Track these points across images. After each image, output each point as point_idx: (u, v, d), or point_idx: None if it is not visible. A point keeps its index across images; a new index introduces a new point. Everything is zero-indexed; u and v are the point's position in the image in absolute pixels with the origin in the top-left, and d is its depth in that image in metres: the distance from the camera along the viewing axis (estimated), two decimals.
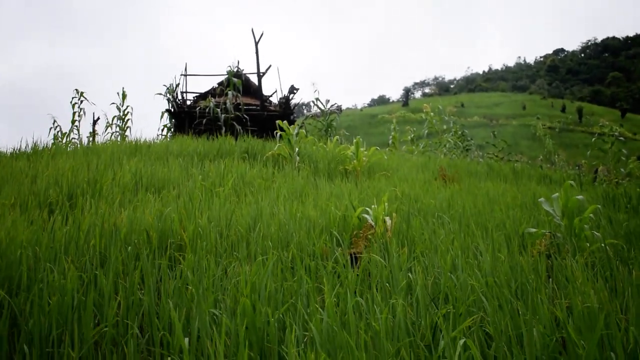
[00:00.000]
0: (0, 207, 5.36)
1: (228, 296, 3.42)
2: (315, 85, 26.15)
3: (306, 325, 3.09)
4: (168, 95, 18.34)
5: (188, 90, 19.50)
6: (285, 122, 11.49)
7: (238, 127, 16.44)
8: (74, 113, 16.80)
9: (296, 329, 3.01)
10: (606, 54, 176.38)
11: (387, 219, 5.12)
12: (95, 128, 17.09)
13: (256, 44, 19.18)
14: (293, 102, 19.14)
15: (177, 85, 18.57)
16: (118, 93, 18.45)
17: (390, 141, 22.62)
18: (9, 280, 3.50)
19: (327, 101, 20.81)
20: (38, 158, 8.91)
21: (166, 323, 3.16)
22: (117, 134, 17.67)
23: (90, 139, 15.79)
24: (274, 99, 21.02)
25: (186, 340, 2.87)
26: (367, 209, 5.38)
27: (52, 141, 14.69)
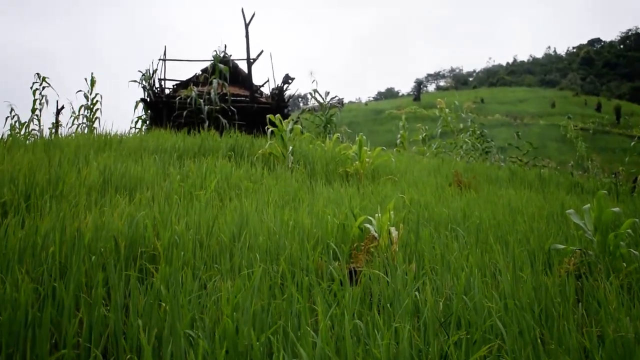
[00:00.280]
0: None
1: (207, 315, 3.41)
2: (313, 75, 26.29)
3: (296, 350, 3.08)
4: (144, 82, 18.35)
5: (167, 78, 19.62)
6: (278, 116, 11.49)
7: (223, 121, 16.46)
8: (34, 101, 16.82)
9: (284, 354, 3.00)
10: None
11: (393, 229, 5.11)
12: (59, 118, 17.11)
13: (246, 25, 19.22)
14: (288, 93, 19.20)
15: (155, 72, 18.61)
16: (86, 79, 18.49)
17: (398, 140, 22.66)
18: None
19: (327, 93, 20.87)
20: None
21: (135, 345, 3.14)
22: (84, 125, 17.68)
23: (53, 130, 15.78)
24: (266, 90, 21.07)
25: None
26: (370, 217, 5.37)
27: (9, 132, 14.67)
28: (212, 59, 18.39)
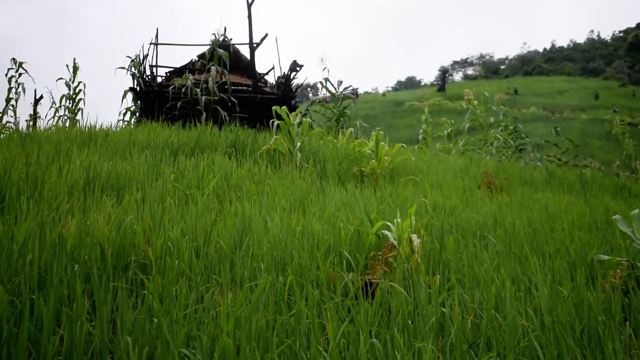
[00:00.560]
0: None
1: (204, 332, 3.41)
2: (324, 62, 26.25)
3: None
4: (133, 69, 18.38)
5: (159, 64, 19.60)
6: (284, 108, 11.50)
7: (223, 113, 16.48)
8: (9, 89, 16.91)
9: None
10: None
11: (414, 237, 5.10)
12: (37, 109, 17.17)
13: (249, 5, 19.26)
14: (295, 82, 19.19)
15: (146, 57, 18.62)
16: (67, 65, 18.54)
17: (420, 136, 22.63)
18: None
19: (340, 83, 20.83)
20: None
21: None
22: (66, 117, 17.73)
23: (31, 123, 15.85)
24: (271, 78, 21.10)
25: None
26: (389, 223, 5.37)
27: None
28: (210, 43, 18.40)
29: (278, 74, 19.96)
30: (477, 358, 3.29)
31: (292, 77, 19.02)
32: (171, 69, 20.45)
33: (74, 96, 18.19)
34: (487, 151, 20.23)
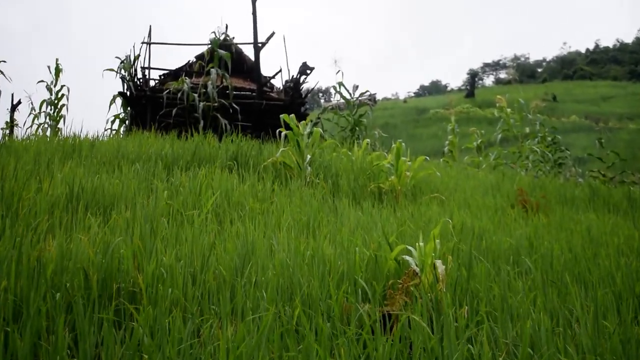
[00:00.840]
0: None
1: None
2: (338, 65, 26.26)
3: None
4: (123, 71, 18.44)
5: (152, 66, 19.61)
6: (293, 116, 11.52)
7: (223, 122, 16.51)
8: None
9: None
10: None
11: (439, 263, 5.08)
12: (15, 116, 17.25)
13: (254, 1, 19.32)
14: (305, 87, 19.23)
15: (137, 58, 18.67)
16: (49, 67, 18.60)
17: (446, 148, 22.61)
18: None
19: (355, 87, 20.86)
20: None
21: None
22: (47, 125, 17.79)
23: (7, 131, 15.90)
24: (278, 83, 21.14)
25: None
26: (410, 248, 5.36)
27: None
28: (210, 42, 18.43)
29: (286, 77, 20.02)
30: None
31: (301, 81, 19.05)
32: (166, 72, 20.52)
33: (55, 101, 18.24)
34: (522, 165, 20.17)
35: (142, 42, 19.43)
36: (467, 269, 5.33)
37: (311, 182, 9.76)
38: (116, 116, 19.01)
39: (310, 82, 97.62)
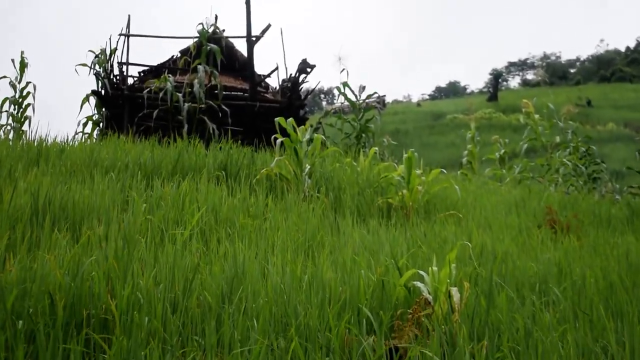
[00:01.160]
0: None
1: None
2: (342, 62, 26.21)
3: None
4: (97, 67, 18.46)
5: (131, 61, 19.62)
6: (290, 120, 11.53)
7: (211, 126, 16.53)
8: None
9: None
10: None
11: (455, 290, 5.09)
12: None
13: None
14: (305, 87, 19.27)
15: (114, 52, 18.71)
16: (13, 60, 18.59)
17: (464, 159, 22.62)
18: None
19: (362, 88, 20.91)
20: None
21: None
22: (9, 127, 17.79)
23: None
24: (274, 82, 21.15)
25: None
26: (422, 273, 5.36)
27: None
28: (198, 35, 18.43)
29: (283, 76, 19.96)
30: None
31: (301, 80, 19.07)
32: (146, 68, 20.59)
33: (20, 100, 18.25)
34: (550, 180, 20.12)
35: (120, 34, 19.43)
36: (487, 297, 5.33)
37: (310, 196, 9.77)
38: (89, 118, 19.02)
39: (310, 82, 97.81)
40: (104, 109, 18.84)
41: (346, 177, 11.00)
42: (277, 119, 11.71)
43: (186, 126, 16.23)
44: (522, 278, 6.30)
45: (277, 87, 20.47)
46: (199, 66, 17.44)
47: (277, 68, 20.74)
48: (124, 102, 18.26)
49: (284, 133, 11.29)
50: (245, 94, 19.03)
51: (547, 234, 9.08)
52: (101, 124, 18.86)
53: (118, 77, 18.93)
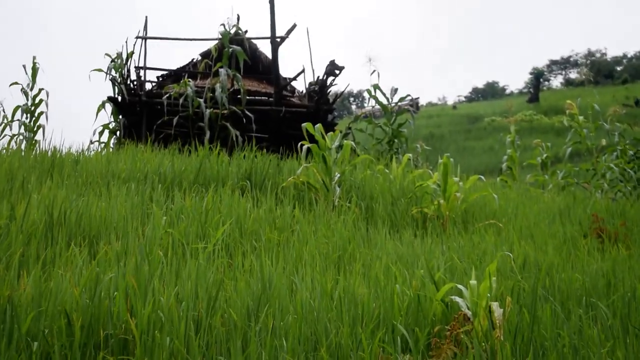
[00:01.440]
0: None
1: None
2: (373, 64, 26.15)
3: None
4: (113, 72, 18.51)
5: (149, 66, 19.67)
6: (318, 126, 11.52)
7: (235, 133, 16.52)
8: None
9: None
10: None
11: (496, 305, 5.07)
12: None
13: None
14: (333, 90, 19.25)
15: (131, 56, 18.75)
16: (25, 66, 18.66)
17: (504, 165, 22.48)
18: None
19: (394, 91, 20.87)
20: None
21: None
22: (21, 137, 17.85)
23: None
24: (300, 85, 21.17)
25: None
26: (460, 286, 5.34)
27: None
28: (220, 36, 18.40)
29: (310, 79, 19.96)
30: None
31: (329, 83, 19.01)
32: (165, 72, 20.62)
33: (32, 108, 18.29)
34: (597, 186, 19.98)
35: (137, 37, 19.44)
36: (531, 312, 5.31)
37: (340, 206, 9.75)
38: (105, 126, 19.08)
39: (339, 85, 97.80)
40: (120, 117, 18.87)
41: (378, 185, 10.98)
42: (304, 125, 11.69)
43: (208, 133, 16.21)
44: (568, 291, 6.26)
45: (304, 91, 20.46)
46: (220, 69, 17.42)
47: (303, 70, 20.73)
48: (141, 109, 18.30)
49: (312, 139, 11.27)
50: (270, 99, 19.03)
51: (594, 244, 9.02)
52: (118, 132, 18.91)
53: (135, 83, 18.95)
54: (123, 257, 6.22)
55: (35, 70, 18.56)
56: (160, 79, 20.61)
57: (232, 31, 18.83)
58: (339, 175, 10.50)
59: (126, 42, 19.42)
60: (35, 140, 17.31)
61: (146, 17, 19.29)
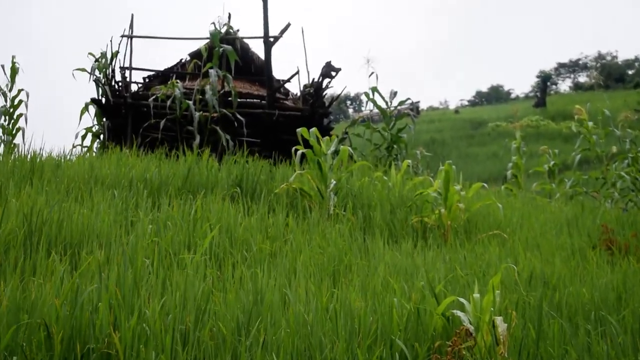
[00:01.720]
0: None
1: None
2: (371, 65, 26.15)
3: None
4: (97, 73, 18.50)
5: (134, 66, 19.63)
6: (313, 130, 11.53)
7: (225, 137, 16.52)
8: None
9: None
10: None
11: (499, 320, 5.08)
12: None
13: None
14: (329, 93, 19.23)
15: (115, 56, 18.73)
16: (3, 66, 18.63)
17: (509, 172, 22.51)
18: None
19: (393, 94, 20.89)
20: None
21: None
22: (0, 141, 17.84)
23: None
24: (294, 88, 21.16)
25: None
26: (462, 300, 5.35)
27: None
28: (209, 35, 18.37)
29: (305, 81, 19.96)
30: None
31: (324, 85, 19.01)
32: (152, 73, 20.61)
33: (11, 110, 18.26)
34: (606, 195, 19.99)
35: (122, 35, 19.38)
36: (536, 327, 5.32)
37: (336, 214, 9.76)
38: (88, 129, 19.04)
39: (335, 87, 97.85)
40: (104, 119, 18.81)
41: (376, 193, 10.99)
42: (298, 129, 11.70)
43: (197, 137, 16.19)
44: (576, 305, 6.27)
45: (298, 94, 20.45)
46: (210, 70, 17.37)
47: (298, 72, 20.71)
48: (127, 111, 18.27)
49: (307, 144, 11.28)
50: (263, 101, 19.02)
51: (603, 256, 9.03)
52: (102, 136, 18.88)
53: (120, 84, 18.92)
54: (106, 266, 6.22)
55: (14, 70, 18.51)
56: (147, 80, 20.60)
57: (223, 30, 18.78)
58: (334, 182, 10.50)
59: (111, 41, 19.38)
60: (14, 144, 17.28)
61: (132, 14, 19.19)
